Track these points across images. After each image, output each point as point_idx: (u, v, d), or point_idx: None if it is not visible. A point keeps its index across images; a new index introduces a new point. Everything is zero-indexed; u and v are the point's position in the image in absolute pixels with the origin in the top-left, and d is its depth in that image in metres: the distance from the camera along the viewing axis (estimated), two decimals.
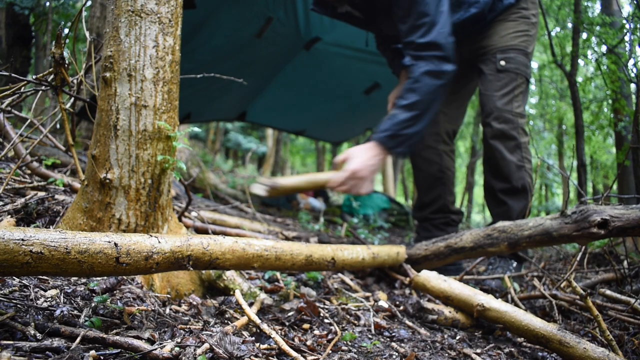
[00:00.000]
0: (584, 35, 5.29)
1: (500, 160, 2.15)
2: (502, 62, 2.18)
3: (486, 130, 2.18)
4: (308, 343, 1.14)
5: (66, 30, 2.85)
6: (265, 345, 1.05)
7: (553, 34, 6.91)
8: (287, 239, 2.00)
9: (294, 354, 0.99)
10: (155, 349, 0.88)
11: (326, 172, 1.89)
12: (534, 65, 12.69)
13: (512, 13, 2.24)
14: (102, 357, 0.84)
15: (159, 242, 0.99)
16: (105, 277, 1.16)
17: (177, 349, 0.91)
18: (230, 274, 1.45)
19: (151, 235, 0.99)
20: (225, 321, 1.22)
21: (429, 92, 1.89)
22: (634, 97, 4.36)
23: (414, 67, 1.94)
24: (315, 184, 1.85)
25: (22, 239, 0.80)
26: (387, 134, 1.89)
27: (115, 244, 0.91)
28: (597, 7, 6.41)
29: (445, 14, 1.94)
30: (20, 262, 0.79)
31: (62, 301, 1.03)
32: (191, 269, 1.05)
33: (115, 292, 1.13)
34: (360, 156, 1.85)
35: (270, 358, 1.00)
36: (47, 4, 4.56)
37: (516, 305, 1.79)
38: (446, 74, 1.92)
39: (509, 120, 2.13)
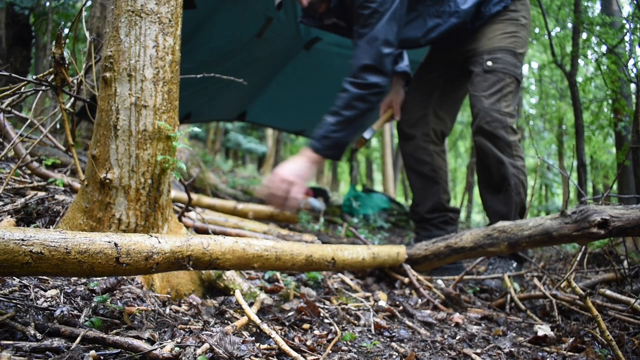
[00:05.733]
0: (584, 35, 5.29)
1: (491, 158, 2.15)
2: (489, 63, 2.18)
3: (475, 130, 2.18)
4: (308, 343, 1.14)
5: (66, 30, 2.85)
6: (265, 345, 1.05)
7: (553, 34, 6.91)
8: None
9: (294, 354, 0.99)
10: (155, 349, 0.88)
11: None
12: (534, 65, 12.70)
13: (500, 16, 2.25)
14: (102, 357, 0.84)
15: (159, 242, 0.99)
16: (105, 277, 1.16)
17: (177, 349, 0.91)
18: (230, 274, 1.45)
19: (151, 236, 0.99)
20: (225, 321, 1.22)
21: (351, 101, 2.00)
22: (634, 97, 4.36)
23: (346, 76, 2.06)
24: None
25: (22, 239, 0.80)
26: (316, 137, 2.01)
27: (115, 244, 0.91)
28: (597, 7, 6.41)
29: (383, 24, 2.00)
30: (20, 262, 0.79)
31: (62, 301, 1.03)
32: (191, 269, 1.05)
33: (115, 292, 1.13)
34: (287, 163, 1.96)
35: (270, 358, 1.00)
36: (47, 4, 4.56)
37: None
38: (370, 86, 2.01)
39: (497, 120, 2.13)
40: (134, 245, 0.94)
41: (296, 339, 1.15)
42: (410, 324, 1.46)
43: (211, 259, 1.09)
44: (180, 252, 1.02)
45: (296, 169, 1.93)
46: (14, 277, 1.07)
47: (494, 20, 2.25)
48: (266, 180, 1.84)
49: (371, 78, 2.01)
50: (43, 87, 1.49)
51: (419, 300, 1.73)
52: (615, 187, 5.01)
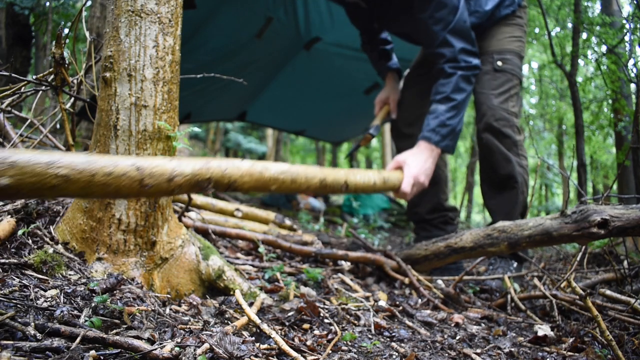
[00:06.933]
0: (584, 35, 5.29)
1: (498, 156, 2.16)
2: (499, 63, 2.21)
3: (482, 128, 2.19)
4: (308, 343, 1.14)
5: (66, 30, 2.85)
6: (265, 345, 1.05)
7: (553, 34, 6.91)
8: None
9: (294, 354, 0.99)
10: (155, 349, 0.88)
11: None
12: (534, 65, 12.71)
13: (508, 20, 2.31)
14: (102, 357, 0.84)
15: (180, 164, 0.99)
16: (105, 277, 1.16)
17: (177, 349, 0.91)
18: (230, 274, 1.45)
19: (172, 159, 1.00)
20: (225, 321, 1.22)
21: (460, 84, 1.98)
22: (634, 97, 4.36)
23: (442, 62, 2.02)
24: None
25: (50, 162, 0.81)
26: (431, 128, 1.94)
27: (138, 167, 0.91)
28: (597, 7, 6.41)
29: (463, 6, 2.00)
30: (48, 185, 0.80)
31: (62, 301, 1.03)
32: (212, 190, 1.06)
33: (115, 292, 1.13)
34: (414, 161, 1.87)
35: (270, 358, 1.00)
36: (47, 4, 4.56)
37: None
38: (474, 67, 2.02)
39: (505, 119, 2.16)
40: (156, 168, 0.94)
41: (296, 339, 1.15)
42: (410, 324, 1.46)
43: (230, 181, 1.09)
44: (201, 174, 1.02)
45: (427, 168, 1.90)
46: (14, 278, 1.07)
47: (502, 23, 2.30)
48: (407, 189, 1.81)
49: (473, 60, 2.02)
50: (43, 87, 1.49)
51: (419, 300, 1.73)
52: (615, 187, 5.01)
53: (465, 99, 1.99)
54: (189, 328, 1.08)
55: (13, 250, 1.20)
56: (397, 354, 1.18)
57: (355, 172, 1.57)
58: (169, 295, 1.28)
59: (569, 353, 1.31)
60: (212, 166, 1.06)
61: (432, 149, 1.92)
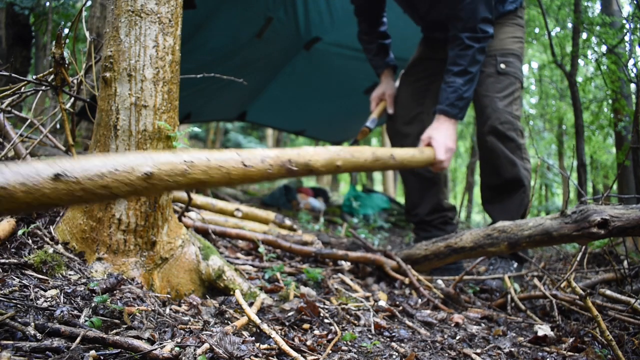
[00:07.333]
0: (584, 35, 5.29)
1: (503, 159, 2.15)
2: (503, 65, 2.20)
3: (487, 131, 2.18)
4: (308, 343, 1.14)
5: (66, 30, 2.85)
6: (265, 345, 1.05)
7: (553, 34, 6.91)
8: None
9: (294, 354, 0.99)
10: (155, 349, 0.88)
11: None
12: (534, 65, 12.72)
13: (510, 19, 2.29)
14: (102, 357, 0.84)
15: (265, 151, 1.16)
16: (105, 277, 1.16)
17: (177, 349, 0.91)
18: (230, 274, 1.45)
19: (258, 149, 1.15)
20: (225, 321, 1.22)
21: (476, 56, 2.04)
22: (634, 97, 4.36)
23: (459, 29, 2.06)
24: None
25: (177, 154, 0.97)
26: (451, 101, 2.04)
27: (238, 153, 1.09)
28: (597, 7, 6.41)
29: None
30: (179, 170, 0.94)
31: (62, 301, 1.03)
32: (295, 169, 1.19)
33: (115, 292, 1.13)
34: (439, 133, 2.02)
35: (270, 358, 1.00)
36: (47, 4, 4.56)
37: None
38: (490, 37, 2.07)
39: (510, 122, 2.15)
40: (250, 154, 1.11)
41: (296, 339, 1.15)
42: (410, 324, 1.46)
43: (305, 160, 1.25)
44: (282, 156, 1.18)
45: (452, 136, 2.05)
46: (19, 277, 1.07)
47: (504, 22, 2.27)
48: (442, 156, 1.99)
49: (490, 29, 2.05)
50: (43, 87, 1.49)
51: (419, 300, 1.73)
52: (615, 187, 5.01)
53: (478, 71, 2.08)
54: (189, 328, 1.08)
55: (13, 250, 1.20)
56: (397, 354, 1.18)
57: (398, 148, 1.80)
58: (169, 295, 1.28)
59: (569, 353, 1.31)
60: (288, 150, 1.26)
61: (451, 119, 2.05)
